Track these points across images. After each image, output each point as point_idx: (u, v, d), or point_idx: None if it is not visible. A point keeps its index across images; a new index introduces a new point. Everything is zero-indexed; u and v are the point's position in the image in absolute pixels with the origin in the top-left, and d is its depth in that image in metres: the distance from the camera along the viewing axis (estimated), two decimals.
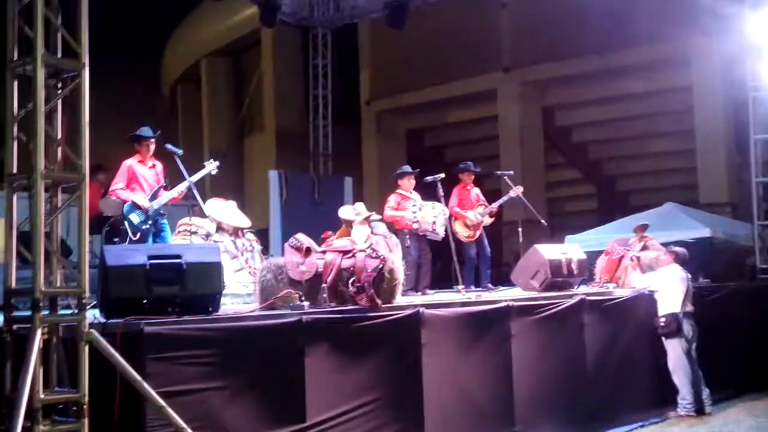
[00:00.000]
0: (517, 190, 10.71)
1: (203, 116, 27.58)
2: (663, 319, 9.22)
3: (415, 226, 9.78)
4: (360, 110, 22.42)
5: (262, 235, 11.50)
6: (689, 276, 9.45)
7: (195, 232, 8.90)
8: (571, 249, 9.76)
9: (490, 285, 10.25)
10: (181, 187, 8.49)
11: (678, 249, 9.66)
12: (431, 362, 6.92)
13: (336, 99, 17.08)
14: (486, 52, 20.09)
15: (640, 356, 9.28)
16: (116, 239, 8.74)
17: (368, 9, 16.02)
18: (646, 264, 9.82)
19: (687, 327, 9.22)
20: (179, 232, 9.02)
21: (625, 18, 17.10)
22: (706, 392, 9.28)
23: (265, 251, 9.95)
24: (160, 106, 30.63)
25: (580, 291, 9.10)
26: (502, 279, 11.60)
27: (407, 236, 9.80)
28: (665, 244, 10.06)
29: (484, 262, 10.57)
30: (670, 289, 9.29)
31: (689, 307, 9.30)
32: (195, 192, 8.50)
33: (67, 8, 5.75)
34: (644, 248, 10.23)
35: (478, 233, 10.56)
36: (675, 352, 9.19)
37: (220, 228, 9.14)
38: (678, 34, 17.04)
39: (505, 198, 10.90)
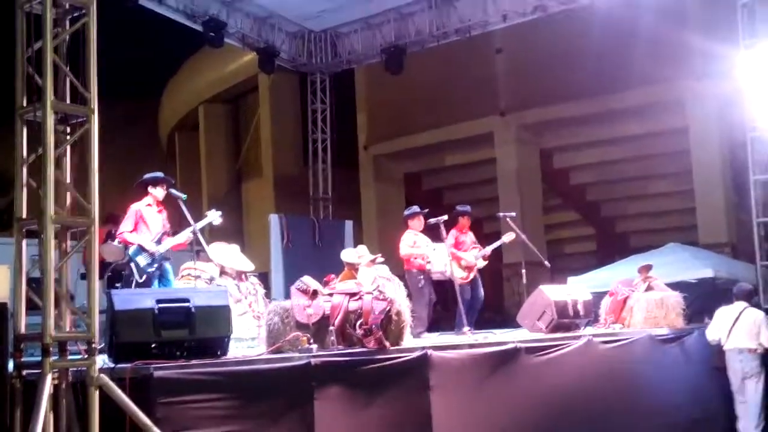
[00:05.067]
0: (509, 236, 10.75)
1: (201, 162, 27.68)
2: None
3: (428, 266, 9.78)
4: (358, 154, 22.51)
5: (263, 279, 11.46)
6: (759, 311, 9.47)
7: (198, 277, 8.86)
8: (576, 290, 9.76)
9: (471, 328, 9.82)
10: (186, 233, 8.50)
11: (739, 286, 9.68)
12: (440, 404, 6.88)
13: (334, 143, 17.13)
14: (482, 96, 20.24)
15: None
16: (118, 285, 8.72)
17: (365, 54, 16.17)
18: None
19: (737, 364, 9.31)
20: (183, 276, 8.99)
21: (619, 61, 17.26)
22: None
23: (267, 295, 9.91)
24: (158, 152, 30.76)
25: (587, 332, 9.06)
26: (506, 320, 11.56)
27: (420, 276, 9.80)
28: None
29: (474, 306, 10.51)
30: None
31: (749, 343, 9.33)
32: (200, 237, 8.51)
33: (75, 55, 5.81)
34: (649, 289, 10.23)
35: (472, 275, 10.54)
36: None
37: (223, 272, 9.10)
38: (672, 77, 17.21)
39: (498, 243, 10.95)
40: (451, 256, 10.38)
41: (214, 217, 8.90)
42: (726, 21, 12.21)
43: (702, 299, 10.81)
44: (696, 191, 17.65)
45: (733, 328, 9.25)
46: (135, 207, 8.47)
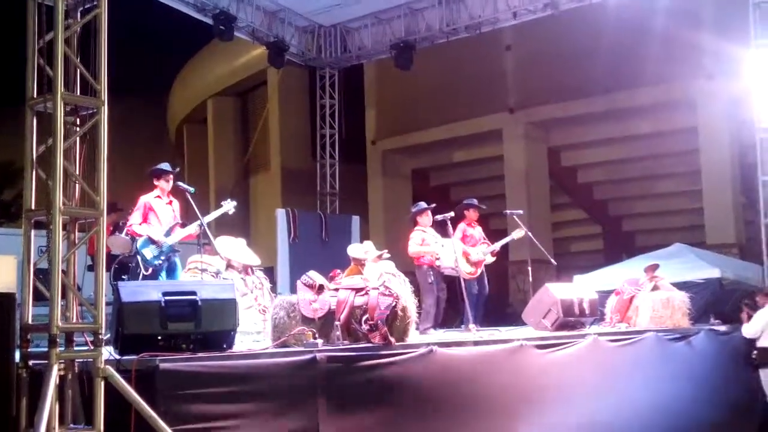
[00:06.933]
0: (519, 233, 10.74)
1: (209, 155, 27.72)
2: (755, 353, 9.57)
3: (438, 263, 9.79)
4: (366, 149, 22.50)
5: (269, 273, 11.48)
6: None
7: (205, 270, 8.88)
8: (582, 288, 9.75)
9: (476, 325, 9.81)
10: (196, 225, 8.52)
11: None
12: (444, 400, 6.88)
13: (342, 138, 17.14)
14: (491, 92, 20.21)
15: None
16: (125, 277, 8.75)
17: (375, 50, 16.18)
18: None
19: None
20: (189, 269, 9.01)
21: (629, 59, 17.22)
22: None
23: (273, 289, 9.92)
24: (167, 145, 30.81)
25: (592, 331, 9.06)
26: (510, 318, 11.56)
27: (430, 272, 9.80)
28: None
29: (478, 301, 10.50)
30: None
31: None
32: (207, 230, 8.53)
33: (85, 47, 5.83)
34: (655, 288, 10.23)
35: (479, 271, 10.53)
36: None
37: (229, 265, 9.12)
38: (683, 76, 17.15)
39: (507, 239, 10.93)
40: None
41: (229, 207, 8.96)
42: (738, 20, 12.19)
43: (708, 300, 10.79)
44: (704, 191, 17.58)
45: None
46: (144, 199, 8.51)
